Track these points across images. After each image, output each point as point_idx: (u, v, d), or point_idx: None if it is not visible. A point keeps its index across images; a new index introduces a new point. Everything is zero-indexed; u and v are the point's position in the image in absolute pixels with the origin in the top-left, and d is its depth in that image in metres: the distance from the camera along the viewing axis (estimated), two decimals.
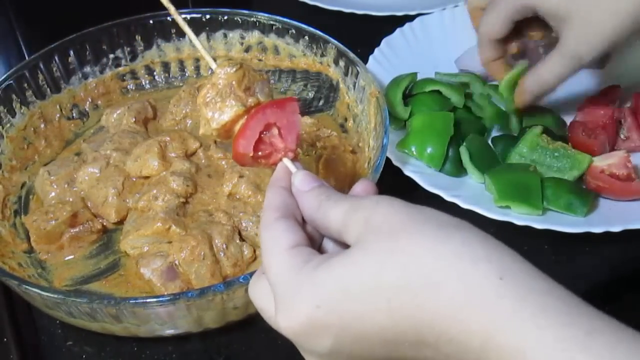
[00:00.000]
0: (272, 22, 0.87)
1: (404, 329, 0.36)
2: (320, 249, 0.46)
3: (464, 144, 0.80)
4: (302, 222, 0.45)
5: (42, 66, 0.83)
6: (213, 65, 0.53)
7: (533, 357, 0.32)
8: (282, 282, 0.40)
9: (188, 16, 0.86)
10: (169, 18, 0.88)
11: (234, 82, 0.52)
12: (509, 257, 0.36)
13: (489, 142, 0.84)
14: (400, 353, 0.38)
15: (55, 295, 0.57)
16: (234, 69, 0.52)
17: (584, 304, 0.34)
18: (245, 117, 0.51)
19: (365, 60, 0.87)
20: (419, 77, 0.88)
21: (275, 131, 0.50)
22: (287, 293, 0.39)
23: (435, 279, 0.35)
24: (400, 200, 0.40)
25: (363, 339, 0.38)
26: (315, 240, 0.45)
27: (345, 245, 0.42)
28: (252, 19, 0.88)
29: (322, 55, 0.86)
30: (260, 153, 0.50)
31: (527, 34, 0.95)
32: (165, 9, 0.56)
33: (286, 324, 0.39)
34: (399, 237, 0.37)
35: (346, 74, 0.83)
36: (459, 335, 0.35)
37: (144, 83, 0.92)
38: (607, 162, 0.76)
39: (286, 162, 0.49)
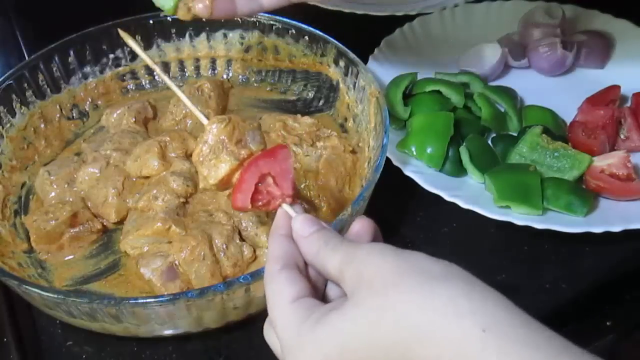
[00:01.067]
0: (272, 22, 0.87)
1: None
2: (324, 294, 0.48)
3: (464, 144, 0.80)
4: (305, 266, 0.47)
5: (42, 66, 0.83)
6: (204, 121, 0.55)
7: None
8: (286, 337, 0.43)
9: None
10: (169, 18, 0.87)
11: (224, 137, 0.54)
12: (492, 306, 0.38)
13: (489, 142, 0.84)
14: None
15: (55, 295, 0.57)
16: (223, 124, 0.54)
17: (564, 348, 0.35)
18: (240, 170, 0.53)
19: (365, 60, 0.87)
20: (419, 77, 0.88)
21: (270, 180, 0.52)
22: (292, 348, 0.43)
23: (424, 335, 0.37)
24: (391, 249, 0.42)
25: None
26: (318, 285, 0.48)
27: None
28: (252, 19, 0.88)
29: (322, 55, 0.86)
30: (259, 203, 0.52)
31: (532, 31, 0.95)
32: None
33: None
34: (388, 293, 0.39)
35: (346, 74, 0.83)
36: None
37: (144, 83, 0.92)
38: (607, 162, 0.76)
39: (285, 207, 0.51)
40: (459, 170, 0.79)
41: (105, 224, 0.74)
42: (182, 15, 0.60)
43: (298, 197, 0.53)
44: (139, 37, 0.88)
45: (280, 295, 0.44)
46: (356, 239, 0.48)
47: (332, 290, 0.48)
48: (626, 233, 0.70)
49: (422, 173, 0.77)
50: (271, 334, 0.46)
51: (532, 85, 0.92)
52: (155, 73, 0.91)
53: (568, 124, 0.85)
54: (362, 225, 0.49)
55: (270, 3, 0.62)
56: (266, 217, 0.69)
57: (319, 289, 0.47)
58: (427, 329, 0.37)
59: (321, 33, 0.84)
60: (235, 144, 0.54)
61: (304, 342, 0.42)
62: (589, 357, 0.35)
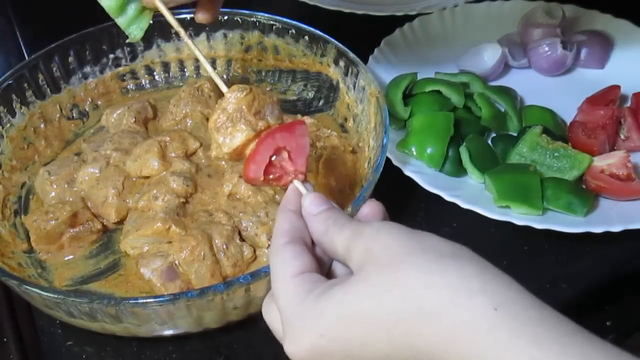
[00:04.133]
0: (272, 22, 0.87)
1: (403, 356, 0.38)
2: (330, 271, 0.47)
3: (464, 144, 0.80)
4: (311, 244, 0.47)
5: (42, 66, 0.83)
6: (224, 89, 0.54)
7: None
8: (288, 311, 0.42)
9: (188, 16, 0.86)
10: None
11: (244, 107, 0.53)
12: (504, 287, 0.37)
13: (489, 142, 0.84)
14: None
15: (55, 295, 0.57)
16: (244, 93, 0.53)
17: (577, 332, 0.35)
18: (256, 141, 0.52)
19: (365, 60, 0.87)
20: (419, 77, 0.88)
21: (285, 155, 0.51)
22: (292, 321, 0.42)
23: (432, 311, 0.36)
24: (401, 227, 0.42)
25: None
26: (324, 262, 0.47)
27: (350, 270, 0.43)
28: (252, 19, 0.88)
29: (322, 55, 0.86)
30: (270, 176, 0.51)
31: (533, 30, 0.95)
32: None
33: (292, 350, 0.42)
34: (397, 269, 0.38)
35: (346, 74, 0.83)
36: None
37: (144, 83, 0.92)
38: (607, 162, 0.76)
39: (296, 184, 0.50)
40: (459, 170, 0.79)
41: (105, 224, 0.74)
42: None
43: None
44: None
45: (284, 268, 0.44)
46: (365, 221, 0.46)
47: (337, 269, 0.47)
48: (626, 233, 0.70)
49: (422, 173, 0.77)
50: (272, 309, 0.45)
51: (532, 85, 0.92)
52: (155, 72, 0.92)
53: (568, 124, 0.85)
54: (371, 208, 0.48)
55: None
56: (266, 217, 0.69)
57: (324, 268, 0.47)
58: (435, 306, 0.36)
59: (321, 33, 0.84)
60: (254, 115, 0.53)
61: (304, 315, 0.41)
62: (599, 341, 0.34)
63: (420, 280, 0.37)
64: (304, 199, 0.48)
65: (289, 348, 0.42)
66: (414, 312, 0.37)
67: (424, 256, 0.38)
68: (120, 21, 0.60)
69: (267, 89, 0.91)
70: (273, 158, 0.51)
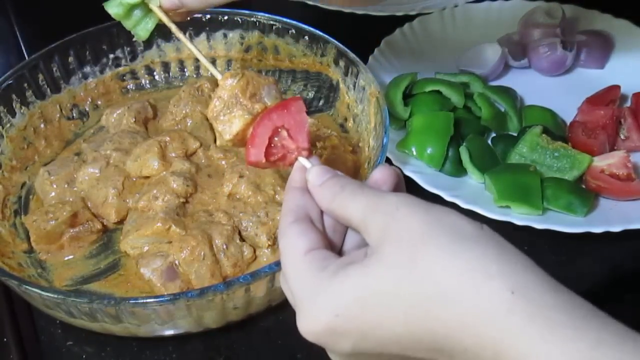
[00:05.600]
0: (272, 22, 0.87)
1: (420, 338, 0.38)
2: (343, 244, 0.46)
3: (464, 144, 0.80)
4: (320, 219, 0.45)
5: (42, 66, 0.83)
6: (218, 76, 0.54)
7: None
8: (299, 290, 0.41)
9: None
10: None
11: (238, 92, 0.52)
12: (522, 270, 0.36)
13: (489, 142, 0.84)
14: (417, 356, 0.39)
15: (55, 295, 0.57)
16: (237, 79, 0.53)
17: (592, 315, 0.35)
18: (253, 124, 0.52)
19: (365, 60, 0.87)
20: (419, 77, 0.88)
21: (284, 133, 0.50)
22: (305, 300, 0.41)
23: (450, 294, 0.36)
24: (420, 203, 0.40)
25: (381, 345, 0.39)
26: (335, 240, 0.45)
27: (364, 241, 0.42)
28: (252, 19, 0.88)
29: (322, 55, 0.86)
30: (273, 157, 0.50)
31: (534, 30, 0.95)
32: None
33: (306, 329, 0.41)
34: (416, 251, 0.38)
35: (346, 74, 0.83)
36: (473, 347, 0.36)
37: (144, 83, 0.92)
38: (607, 162, 0.76)
39: (301, 160, 0.49)
40: (459, 170, 0.79)
41: (105, 224, 0.74)
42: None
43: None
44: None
45: (292, 248, 0.42)
46: (375, 187, 0.45)
47: (349, 241, 0.46)
48: (626, 233, 0.70)
49: (422, 173, 0.77)
50: (285, 288, 0.44)
51: (532, 85, 0.92)
52: (155, 72, 0.92)
53: (568, 124, 0.85)
54: (382, 174, 0.46)
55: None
56: (266, 217, 0.69)
57: (335, 245, 0.45)
58: (452, 289, 0.36)
59: (321, 33, 0.84)
60: (249, 99, 0.53)
61: (318, 293, 0.40)
62: (614, 324, 0.34)
63: (440, 263, 0.37)
64: (308, 172, 0.46)
65: (302, 326, 0.41)
66: (431, 296, 0.37)
67: (444, 238, 0.38)
68: (127, 23, 0.61)
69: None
70: (275, 139, 0.50)
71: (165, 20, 0.58)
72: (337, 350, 0.41)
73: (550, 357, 0.33)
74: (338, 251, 0.45)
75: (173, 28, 0.58)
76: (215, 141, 0.79)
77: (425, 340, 0.37)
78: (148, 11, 0.61)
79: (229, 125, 0.52)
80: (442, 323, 0.37)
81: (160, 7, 0.59)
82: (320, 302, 0.40)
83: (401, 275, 0.38)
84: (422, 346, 0.38)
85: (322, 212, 0.45)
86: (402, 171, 0.76)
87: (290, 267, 0.42)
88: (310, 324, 0.40)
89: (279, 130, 0.50)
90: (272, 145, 0.50)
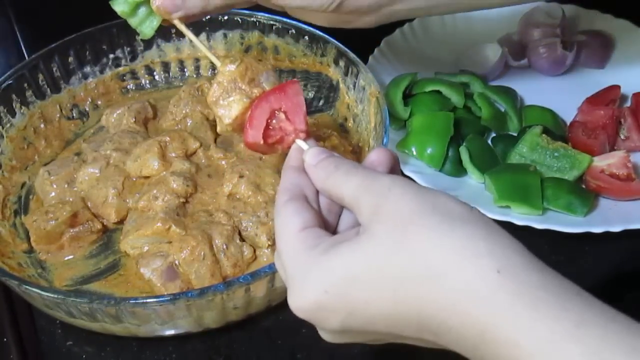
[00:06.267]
0: (272, 22, 0.87)
1: (407, 316, 0.38)
2: (337, 224, 0.47)
3: (464, 144, 0.80)
4: (316, 198, 0.46)
5: (42, 66, 0.83)
6: (217, 64, 0.55)
7: (527, 349, 0.34)
8: (291, 266, 0.42)
9: None
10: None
11: (237, 77, 0.53)
12: (510, 251, 0.37)
13: (489, 142, 0.84)
14: (404, 335, 0.40)
15: (55, 295, 0.57)
16: (235, 65, 0.53)
17: (577, 296, 0.35)
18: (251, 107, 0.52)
19: (365, 60, 0.87)
20: (419, 77, 0.88)
21: (281, 116, 0.51)
22: (296, 277, 0.41)
23: (438, 272, 0.37)
24: (412, 185, 0.41)
25: (369, 322, 0.40)
26: (330, 219, 0.46)
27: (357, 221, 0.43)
28: (252, 19, 0.88)
29: (322, 55, 0.86)
30: (271, 139, 0.51)
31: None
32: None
33: (296, 305, 0.41)
34: (406, 230, 0.38)
35: (346, 74, 0.83)
36: (458, 326, 0.36)
37: (144, 83, 0.92)
38: (607, 162, 0.76)
39: (299, 142, 0.50)
40: (459, 170, 0.79)
41: (105, 224, 0.74)
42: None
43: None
44: (139, 37, 0.88)
45: (287, 225, 0.43)
46: (370, 168, 0.46)
47: (344, 221, 0.46)
48: (626, 233, 0.70)
49: (422, 173, 0.77)
50: (280, 265, 0.45)
51: (532, 85, 0.92)
52: (155, 72, 0.92)
53: (568, 124, 0.85)
54: (378, 156, 0.47)
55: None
56: (266, 217, 0.69)
57: (330, 224, 0.46)
58: (441, 268, 0.37)
59: (321, 33, 0.84)
60: (248, 84, 0.53)
61: (309, 269, 0.40)
62: (599, 304, 0.35)
63: (428, 242, 0.37)
64: (305, 153, 0.48)
65: (292, 302, 0.42)
66: (420, 274, 0.37)
67: (434, 217, 0.38)
68: (132, 21, 0.62)
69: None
70: (272, 122, 0.51)
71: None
72: (326, 327, 0.42)
73: (535, 335, 0.34)
74: (332, 231, 0.46)
75: (177, 22, 0.58)
76: (215, 141, 0.79)
77: (413, 318, 0.38)
78: (152, 9, 0.61)
79: (229, 110, 0.53)
80: (428, 301, 0.37)
81: (158, 7, 0.59)
82: (310, 279, 0.40)
83: (390, 253, 0.38)
84: (409, 324, 0.38)
85: (317, 193, 0.46)
86: (402, 171, 0.77)
87: (283, 244, 0.43)
88: (300, 300, 0.41)
89: (276, 112, 0.51)
90: (270, 127, 0.51)
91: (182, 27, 0.59)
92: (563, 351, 0.33)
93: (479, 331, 0.35)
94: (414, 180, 0.75)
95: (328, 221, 0.46)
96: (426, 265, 0.37)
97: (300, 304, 0.41)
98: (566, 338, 0.33)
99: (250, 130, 0.51)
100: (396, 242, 0.38)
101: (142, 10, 0.61)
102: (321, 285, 0.40)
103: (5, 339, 0.66)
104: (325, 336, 0.44)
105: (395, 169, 0.47)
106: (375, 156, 0.47)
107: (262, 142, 0.51)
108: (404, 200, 0.40)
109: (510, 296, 0.35)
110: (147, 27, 0.62)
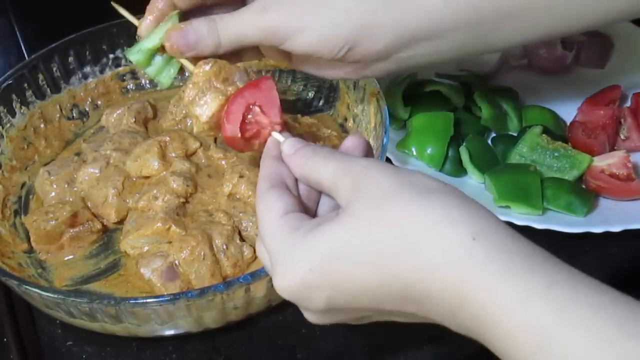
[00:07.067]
0: None
1: (390, 288, 0.40)
2: (316, 214, 0.48)
3: (464, 144, 0.80)
4: (295, 186, 0.48)
5: (42, 66, 0.83)
6: (191, 68, 0.57)
7: (501, 307, 0.36)
8: (275, 249, 0.43)
9: None
10: None
11: (212, 77, 0.55)
12: (484, 219, 0.39)
13: (489, 142, 0.84)
14: (387, 307, 0.41)
15: (55, 295, 0.57)
16: (210, 65, 0.56)
17: (548, 260, 0.38)
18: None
19: None
20: (419, 77, 0.88)
21: (257, 109, 0.53)
22: (280, 258, 0.43)
23: (416, 242, 0.38)
24: (389, 165, 0.43)
25: (353, 297, 0.41)
26: (309, 206, 0.48)
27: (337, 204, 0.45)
28: None
29: None
30: (248, 133, 0.53)
31: None
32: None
33: (281, 285, 0.43)
34: (384, 204, 0.40)
35: None
36: (437, 293, 0.38)
37: (144, 83, 0.92)
38: (607, 162, 0.76)
39: (275, 135, 0.52)
40: (459, 170, 0.79)
41: (105, 224, 0.74)
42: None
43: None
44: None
45: (270, 211, 0.45)
46: (347, 154, 0.47)
47: (323, 207, 0.48)
48: (626, 233, 0.70)
49: None
50: (261, 251, 0.47)
51: (532, 85, 0.92)
52: None
53: (568, 124, 0.85)
54: (353, 142, 0.49)
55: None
56: None
57: (310, 210, 0.47)
58: (418, 237, 0.38)
59: None
60: (222, 82, 0.55)
61: (292, 250, 0.42)
62: (567, 268, 0.37)
63: (405, 214, 0.39)
64: (282, 144, 0.49)
65: (277, 283, 0.43)
66: (399, 245, 0.39)
67: (410, 192, 0.40)
68: (149, 70, 0.62)
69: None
70: (248, 116, 0.53)
71: (186, 63, 0.58)
72: (312, 306, 0.43)
73: (509, 294, 0.35)
74: (312, 216, 0.47)
75: (190, 68, 0.58)
76: (215, 141, 0.79)
77: (395, 290, 0.39)
78: (170, 57, 0.61)
79: (205, 108, 0.55)
80: (408, 271, 0.38)
81: (171, 46, 0.58)
82: (294, 258, 0.42)
83: (369, 227, 0.40)
84: (391, 295, 0.40)
85: (296, 181, 0.48)
86: None
87: (267, 228, 0.44)
88: (285, 280, 0.42)
89: (252, 107, 0.53)
90: (247, 122, 0.53)
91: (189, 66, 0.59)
92: (534, 308, 0.35)
93: (457, 295, 0.37)
94: None
95: (308, 207, 0.47)
96: (404, 236, 0.39)
97: (286, 283, 0.42)
98: (537, 297, 0.35)
99: (227, 125, 0.53)
100: (374, 217, 0.40)
101: (159, 59, 0.61)
102: (305, 264, 0.41)
103: (5, 339, 0.66)
104: (310, 317, 0.45)
105: (369, 155, 0.49)
106: (351, 142, 0.49)
107: (239, 135, 0.53)
108: (381, 179, 0.41)
109: (485, 260, 0.36)
110: (165, 77, 0.62)
